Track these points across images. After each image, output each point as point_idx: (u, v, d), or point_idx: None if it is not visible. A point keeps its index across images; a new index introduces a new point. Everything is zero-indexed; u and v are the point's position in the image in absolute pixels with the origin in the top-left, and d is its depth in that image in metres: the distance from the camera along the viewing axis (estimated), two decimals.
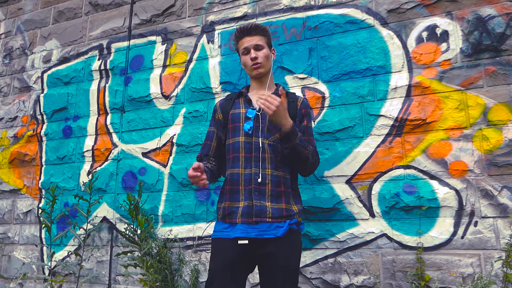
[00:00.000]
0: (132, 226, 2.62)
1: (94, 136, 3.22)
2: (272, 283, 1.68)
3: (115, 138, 3.13)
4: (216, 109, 1.98)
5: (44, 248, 3.22)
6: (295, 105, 1.88)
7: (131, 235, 2.62)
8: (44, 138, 3.45)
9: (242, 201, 1.73)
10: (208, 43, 2.94)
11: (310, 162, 1.79)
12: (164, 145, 2.92)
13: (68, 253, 3.09)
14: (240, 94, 1.94)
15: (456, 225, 2.10)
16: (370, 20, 2.48)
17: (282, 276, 1.67)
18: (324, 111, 2.48)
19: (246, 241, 1.66)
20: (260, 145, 1.76)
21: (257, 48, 1.86)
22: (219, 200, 1.84)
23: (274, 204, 1.72)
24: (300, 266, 2.24)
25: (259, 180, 1.71)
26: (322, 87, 2.52)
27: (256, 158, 1.75)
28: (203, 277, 2.59)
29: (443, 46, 2.29)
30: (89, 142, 3.22)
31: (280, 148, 1.78)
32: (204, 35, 2.96)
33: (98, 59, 3.36)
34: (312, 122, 2.31)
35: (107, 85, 3.26)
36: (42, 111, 3.52)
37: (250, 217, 1.69)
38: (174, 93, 2.97)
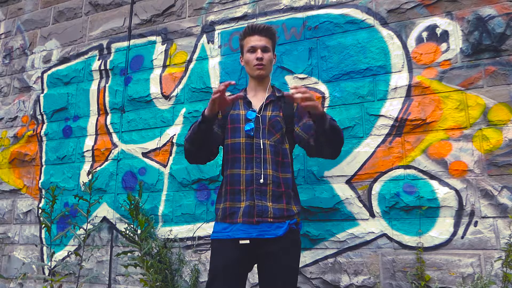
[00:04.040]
0: (132, 226, 2.62)
1: (94, 136, 3.22)
2: (272, 283, 1.69)
3: (115, 138, 3.13)
4: None
5: (44, 248, 3.22)
6: (291, 106, 1.88)
7: (131, 235, 2.62)
8: (44, 138, 3.45)
9: (244, 201, 1.73)
10: (208, 43, 2.94)
11: (342, 136, 1.73)
12: (164, 145, 2.92)
13: (68, 253, 3.08)
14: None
15: (456, 225, 2.10)
16: (370, 20, 2.48)
17: (282, 276, 1.68)
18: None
19: (247, 241, 1.67)
20: (262, 146, 1.76)
21: (264, 50, 1.87)
22: (217, 201, 1.84)
23: (275, 204, 1.72)
24: (300, 266, 2.24)
25: (261, 180, 1.71)
26: (322, 87, 2.52)
27: (257, 158, 1.76)
28: (203, 277, 2.59)
29: (443, 46, 2.29)
30: (89, 142, 3.22)
31: (307, 135, 1.74)
32: (204, 35, 2.96)
33: (98, 59, 3.36)
34: None
35: (107, 85, 3.26)
36: (42, 111, 3.51)
37: (251, 217, 1.70)
38: (174, 93, 2.96)
